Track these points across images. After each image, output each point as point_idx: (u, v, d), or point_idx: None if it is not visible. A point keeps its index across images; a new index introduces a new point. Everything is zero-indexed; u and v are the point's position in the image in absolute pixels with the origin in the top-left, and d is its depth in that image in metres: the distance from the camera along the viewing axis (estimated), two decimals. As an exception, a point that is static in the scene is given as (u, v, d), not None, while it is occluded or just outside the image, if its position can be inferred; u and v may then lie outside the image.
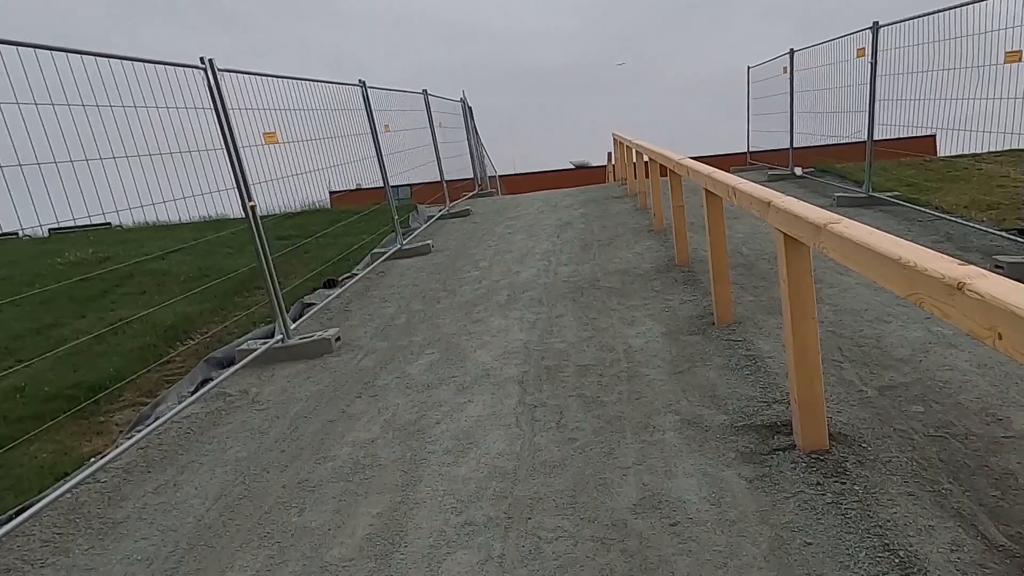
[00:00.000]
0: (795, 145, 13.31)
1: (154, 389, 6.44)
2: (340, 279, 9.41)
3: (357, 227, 12.32)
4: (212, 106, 5.43)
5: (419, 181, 13.07)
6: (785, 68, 13.26)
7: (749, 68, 15.93)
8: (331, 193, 9.70)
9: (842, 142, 11.83)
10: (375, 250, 9.71)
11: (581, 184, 23.39)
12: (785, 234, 3.22)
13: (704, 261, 7.09)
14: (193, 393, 5.36)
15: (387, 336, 6.10)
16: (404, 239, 11.11)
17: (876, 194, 9.57)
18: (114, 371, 6.54)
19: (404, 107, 11.93)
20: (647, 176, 10.04)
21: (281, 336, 5.79)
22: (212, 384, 5.17)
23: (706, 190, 5.18)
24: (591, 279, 7.03)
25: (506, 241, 9.66)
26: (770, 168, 14.39)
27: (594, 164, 32.95)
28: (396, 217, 9.66)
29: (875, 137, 10.26)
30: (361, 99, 9.40)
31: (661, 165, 8.47)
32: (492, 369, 4.91)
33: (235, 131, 5.56)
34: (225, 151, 5.51)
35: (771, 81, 14.29)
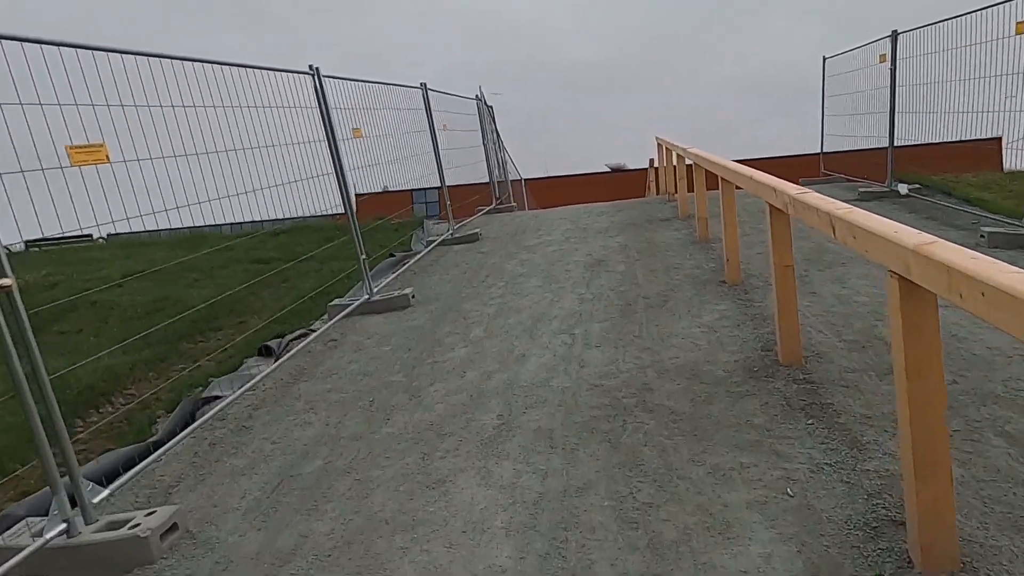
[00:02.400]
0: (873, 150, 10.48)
1: (36, 487, 4.24)
2: (285, 342, 6.78)
3: (350, 249, 9.94)
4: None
5: (436, 186, 10.81)
6: (883, 55, 10.33)
7: (825, 59, 13.16)
8: (357, 196, 7.57)
9: (913, 144, 9.53)
10: (334, 302, 6.98)
11: (617, 190, 20.60)
12: None
13: (824, 356, 4.25)
14: None
15: (268, 516, 3.36)
16: (392, 270, 8.50)
17: (1048, 230, 6.60)
18: (-12, 457, 4.59)
19: (394, 105, 9.29)
20: (716, 188, 7.23)
21: (65, 525, 3.10)
22: None
23: (900, 277, 2.37)
24: (638, 386, 4.24)
25: (515, 290, 6.89)
26: (853, 181, 11.41)
27: (630, 167, 30.16)
28: (363, 257, 6.93)
29: (935, 140, 8.36)
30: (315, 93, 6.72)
31: (730, 182, 5.68)
32: None
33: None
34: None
35: (853, 75, 11.49)
